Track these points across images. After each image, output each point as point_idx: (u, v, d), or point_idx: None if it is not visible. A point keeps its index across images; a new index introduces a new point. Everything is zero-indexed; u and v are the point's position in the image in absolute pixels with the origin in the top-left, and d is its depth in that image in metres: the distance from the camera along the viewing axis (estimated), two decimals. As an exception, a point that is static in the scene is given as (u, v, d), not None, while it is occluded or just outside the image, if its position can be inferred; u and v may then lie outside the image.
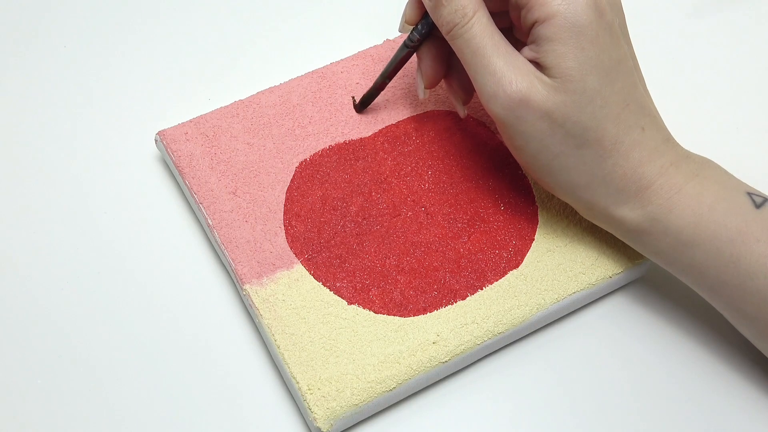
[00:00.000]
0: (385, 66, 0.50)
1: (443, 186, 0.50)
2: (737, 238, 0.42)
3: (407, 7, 0.47)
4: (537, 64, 0.42)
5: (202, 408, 0.45)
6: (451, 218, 0.49)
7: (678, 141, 0.45)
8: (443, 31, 0.44)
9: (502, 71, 0.42)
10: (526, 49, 0.43)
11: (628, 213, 0.44)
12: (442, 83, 0.51)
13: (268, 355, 0.46)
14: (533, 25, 0.42)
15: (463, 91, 0.49)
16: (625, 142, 0.43)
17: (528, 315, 0.46)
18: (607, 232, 0.47)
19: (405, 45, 0.48)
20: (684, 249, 0.43)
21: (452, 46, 0.44)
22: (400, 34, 0.55)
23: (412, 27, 0.47)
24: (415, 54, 0.49)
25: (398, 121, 0.52)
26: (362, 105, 0.52)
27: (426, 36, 0.47)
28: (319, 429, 0.43)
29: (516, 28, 0.47)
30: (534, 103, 0.42)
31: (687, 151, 0.45)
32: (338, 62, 0.54)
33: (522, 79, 0.42)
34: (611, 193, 0.44)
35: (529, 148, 0.43)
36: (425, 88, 0.49)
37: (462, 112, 0.50)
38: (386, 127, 0.52)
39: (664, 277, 0.47)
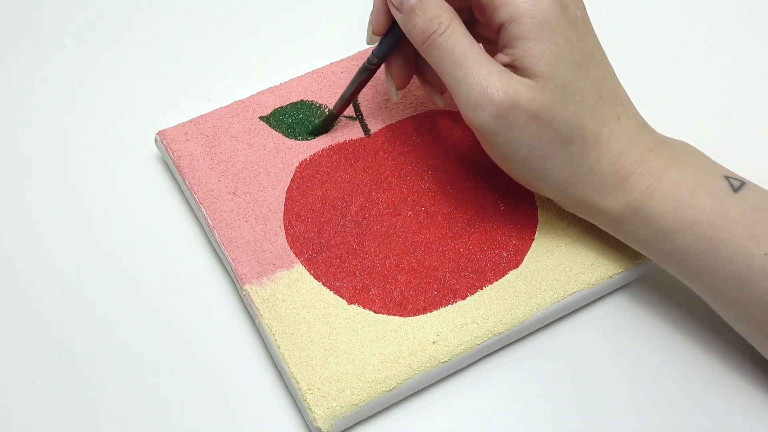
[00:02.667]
0: (344, 88, 0.50)
1: (443, 186, 0.50)
2: (716, 222, 0.42)
3: (373, 18, 0.46)
4: (513, 68, 0.42)
5: (202, 408, 0.45)
6: (451, 218, 0.49)
7: (654, 127, 0.46)
8: (417, 41, 0.43)
9: (487, 80, 0.41)
10: (500, 55, 0.42)
11: (612, 203, 0.44)
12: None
13: (268, 355, 0.46)
14: (502, 26, 0.42)
15: (438, 84, 0.49)
16: (604, 134, 0.43)
17: (528, 315, 0.46)
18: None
19: (366, 67, 0.47)
20: (664, 236, 0.43)
21: (426, 56, 0.43)
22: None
23: (380, 38, 0.46)
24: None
25: (398, 121, 0.52)
26: (323, 130, 0.51)
27: (389, 53, 0.47)
28: (319, 429, 0.43)
29: (479, 24, 0.47)
30: (522, 106, 0.41)
31: (663, 136, 0.45)
32: (338, 62, 0.54)
33: (508, 85, 0.41)
34: (596, 185, 0.44)
35: (518, 154, 0.43)
36: (397, 89, 0.49)
37: (441, 102, 0.49)
38: (386, 127, 0.52)
39: (664, 277, 0.47)
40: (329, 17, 0.60)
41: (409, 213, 0.49)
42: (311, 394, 0.43)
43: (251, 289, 0.46)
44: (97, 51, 0.57)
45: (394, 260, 0.47)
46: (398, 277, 0.47)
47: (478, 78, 0.42)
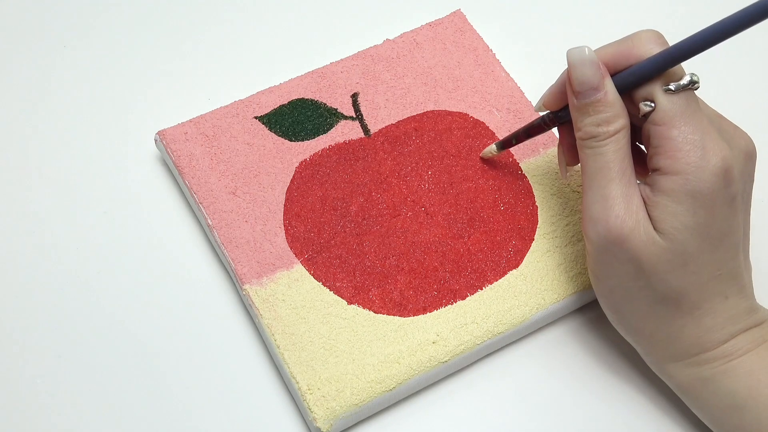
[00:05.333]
0: (519, 128, 0.49)
1: (443, 186, 0.50)
2: None
3: (548, 94, 0.45)
4: (647, 207, 0.41)
5: (202, 408, 0.45)
6: (451, 218, 0.49)
7: None
8: (578, 134, 0.42)
9: (614, 200, 0.40)
10: (643, 186, 0.41)
11: (681, 370, 0.42)
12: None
13: (268, 355, 0.46)
14: (655, 169, 0.40)
15: (574, 158, 0.46)
16: (702, 308, 0.41)
17: (528, 315, 0.46)
18: None
19: (543, 122, 0.46)
20: (733, 411, 0.41)
21: (578, 149, 0.42)
22: (400, 34, 0.55)
23: (547, 111, 0.46)
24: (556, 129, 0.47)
25: (398, 121, 0.52)
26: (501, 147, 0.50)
27: (562, 123, 0.45)
28: (319, 429, 0.43)
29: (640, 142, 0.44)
30: (630, 246, 0.40)
31: (766, 315, 0.43)
32: (338, 62, 0.54)
33: (629, 217, 0.40)
34: (669, 349, 0.42)
35: (608, 281, 0.42)
36: (567, 165, 0.47)
37: (564, 174, 0.47)
38: (386, 127, 0.52)
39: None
40: (329, 17, 0.60)
41: (409, 213, 0.49)
42: (311, 394, 0.43)
43: (251, 289, 0.46)
44: (97, 51, 0.57)
45: (394, 260, 0.47)
46: (398, 277, 0.47)
47: (608, 195, 0.41)
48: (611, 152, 0.41)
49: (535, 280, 0.47)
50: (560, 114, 0.45)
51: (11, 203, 0.51)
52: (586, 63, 0.41)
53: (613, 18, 0.61)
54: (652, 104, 0.40)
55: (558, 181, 0.50)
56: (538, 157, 0.51)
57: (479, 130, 0.52)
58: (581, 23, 0.60)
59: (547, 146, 0.51)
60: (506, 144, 0.49)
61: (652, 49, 0.41)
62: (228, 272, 0.48)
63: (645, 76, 0.40)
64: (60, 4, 0.59)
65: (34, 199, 0.51)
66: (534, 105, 0.52)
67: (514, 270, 0.47)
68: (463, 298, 0.46)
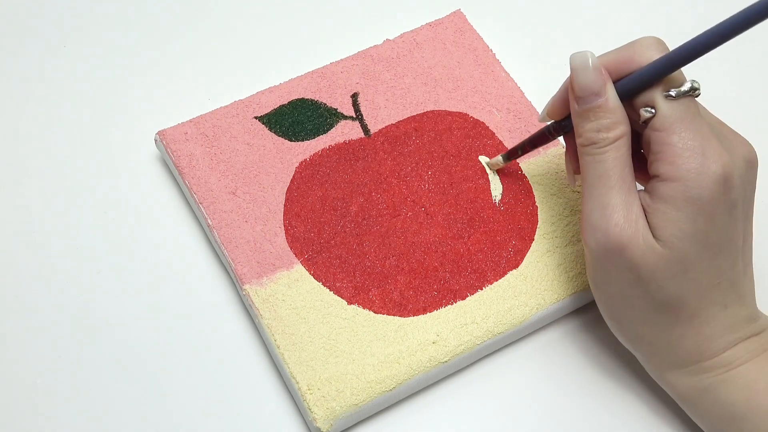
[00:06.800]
0: (523, 140, 0.49)
1: (443, 186, 0.50)
2: None
3: (551, 103, 0.45)
4: (646, 213, 0.40)
5: (202, 408, 0.45)
6: (451, 218, 0.49)
7: None
8: (578, 141, 0.42)
9: (613, 209, 0.40)
10: (643, 193, 0.41)
11: (680, 379, 0.42)
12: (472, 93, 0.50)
13: (268, 355, 0.46)
14: (655, 176, 0.40)
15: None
16: (701, 317, 0.41)
17: (528, 315, 0.46)
18: None
19: (547, 131, 0.46)
20: (732, 420, 0.41)
21: (579, 155, 0.42)
22: (400, 34, 0.55)
23: (551, 120, 0.46)
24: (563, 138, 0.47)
25: (398, 121, 0.52)
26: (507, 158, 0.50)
27: (567, 132, 0.45)
28: (319, 429, 0.43)
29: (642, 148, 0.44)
30: (629, 253, 0.40)
31: (766, 323, 0.43)
32: (338, 62, 0.54)
33: (628, 225, 0.40)
34: (669, 357, 0.42)
35: (608, 289, 0.42)
36: (575, 173, 0.46)
37: (572, 183, 0.48)
38: (386, 127, 0.52)
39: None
40: (329, 17, 0.60)
41: (409, 213, 0.49)
42: (311, 394, 0.43)
43: (251, 289, 0.46)
44: (97, 51, 0.57)
45: (394, 260, 0.47)
46: (398, 278, 0.47)
47: (608, 203, 0.40)
48: (611, 159, 0.41)
49: (535, 280, 0.47)
50: (563, 123, 0.45)
51: (11, 203, 0.51)
52: (589, 68, 0.41)
53: (613, 18, 0.61)
54: (653, 110, 0.40)
55: (558, 181, 0.50)
56: (538, 157, 0.51)
57: (479, 130, 0.52)
58: (581, 23, 0.60)
59: (547, 147, 0.51)
60: (512, 155, 0.49)
61: (653, 56, 0.40)
62: (228, 272, 0.48)
63: (646, 82, 0.40)
64: (60, 4, 0.59)
65: (34, 199, 0.51)
66: (539, 113, 0.52)
67: (514, 270, 0.47)
68: (463, 299, 0.46)
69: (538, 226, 0.49)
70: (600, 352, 0.47)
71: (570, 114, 0.43)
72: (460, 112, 0.52)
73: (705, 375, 0.42)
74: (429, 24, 0.56)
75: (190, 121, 0.51)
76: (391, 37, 0.55)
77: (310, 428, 0.44)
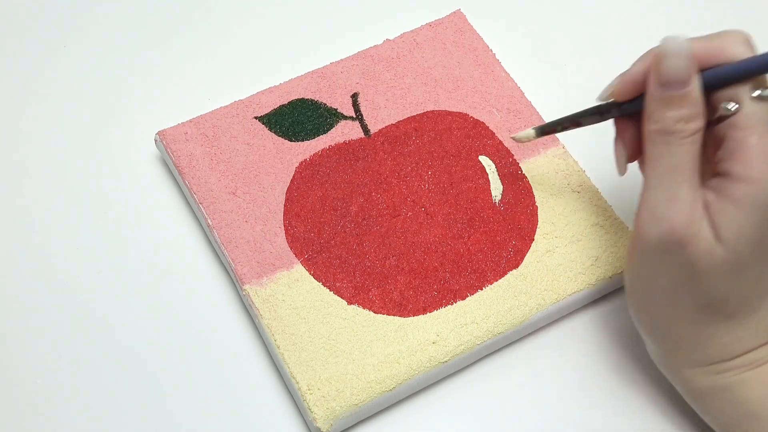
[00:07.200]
0: (564, 116, 0.47)
1: (443, 186, 0.50)
2: None
3: (623, 81, 0.43)
4: (707, 212, 0.39)
5: (202, 408, 0.45)
6: (451, 218, 0.49)
7: None
8: (653, 127, 0.40)
9: (683, 203, 0.39)
10: (705, 191, 0.40)
11: (698, 376, 0.42)
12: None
13: (268, 355, 0.46)
14: (724, 174, 0.39)
15: (635, 151, 0.44)
16: (736, 318, 0.40)
17: (528, 315, 0.46)
18: (606, 232, 0.47)
19: (604, 113, 0.44)
20: (748, 419, 0.41)
21: (647, 142, 0.40)
22: (400, 34, 0.55)
23: (612, 99, 0.44)
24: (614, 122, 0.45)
25: (398, 121, 0.52)
26: (541, 133, 0.49)
27: (627, 114, 0.43)
28: (319, 429, 0.43)
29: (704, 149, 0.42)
30: (688, 250, 0.39)
31: None
32: (338, 62, 0.54)
33: (693, 222, 0.39)
34: (695, 355, 0.42)
35: (653, 283, 0.41)
36: (627, 161, 0.44)
37: (621, 171, 0.45)
38: (386, 127, 0.52)
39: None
40: (329, 17, 0.60)
41: (409, 213, 0.49)
42: (311, 394, 0.43)
43: (251, 289, 0.46)
44: (97, 51, 0.57)
45: (394, 260, 0.47)
46: (398, 278, 0.47)
47: (677, 196, 0.39)
48: (687, 153, 0.39)
49: (535, 280, 0.47)
50: (626, 105, 0.43)
51: (11, 203, 0.51)
52: (682, 55, 0.39)
53: (613, 18, 0.61)
54: (736, 106, 0.39)
55: (558, 181, 0.50)
56: (538, 157, 0.51)
57: (479, 130, 0.52)
58: (581, 23, 0.60)
59: (547, 146, 0.51)
60: (549, 130, 0.47)
61: (743, 52, 0.39)
62: (228, 272, 0.48)
63: (735, 78, 0.39)
64: (60, 4, 0.59)
65: (34, 199, 0.51)
66: (539, 113, 0.51)
67: (514, 270, 0.47)
68: (463, 299, 0.46)
69: (538, 226, 0.49)
70: (600, 352, 0.47)
71: (637, 97, 0.42)
72: (460, 112, 0.52)
73: (724, 375, 0.41)
74: (429, 24, 0.56)
75: (190, 121, 0.51)
76: (391, 37, 0.55)
77: (310, 428, 0.44)
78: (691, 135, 0.39)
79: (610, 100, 0.44)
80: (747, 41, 0.40)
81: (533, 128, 0.49)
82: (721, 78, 0.40)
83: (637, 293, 0.43)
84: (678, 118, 0.39)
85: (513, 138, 0.50)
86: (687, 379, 0.42)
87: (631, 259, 0.42)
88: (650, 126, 0.40)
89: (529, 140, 0.49)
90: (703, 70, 0.40)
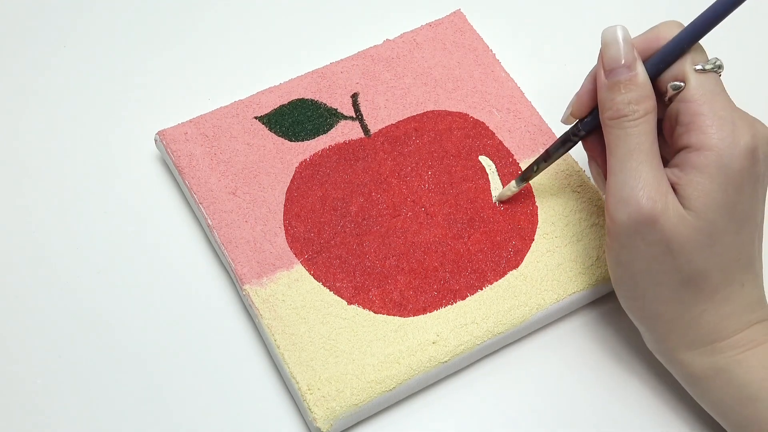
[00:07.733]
0: (542, 153, 0.48)
1: (443, 186, 0.50)
2: None
3: (575, 101, 0.45)
4: (674, 187, 0.41)
5: (202, 408, 0.45)
6: (451, 218, 0.49)
7: None
8: (606, 114, 0.42)
9: (645, 181, 0.40)
10: (668, 170, 0.41)
11: (695, 359, 0.42)
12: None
13: (268, 355, 0.46)
14: (684, 147, 0.41)
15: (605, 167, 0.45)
16: (721, 293, 0.41)
17: (528, 315, 0.46)
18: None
19: (569, 138, 0.46)
20: (747, 402, 0.41)
21: (605, 132, 0.42)
22: (400, 34, 0.55)
23: (576, 120, 0.46)
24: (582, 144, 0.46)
25: (398, 121, 0.52)
26: (522, 181, 0.49)
27: (592, 130, 0.45)
28: (319, 429, 0.43)
29: (663, 125, 0.44)
30: (660, 226, 0.40)
31: None
32: (338, 62, 0.54)
33: (660, 198, 0.40)
34: (688, 335, 0.42)
35: (632, 266, 0.42)
36: (605, 179, 0.45)
37: (602, 187, 0.46)
38: (386, 127, 0.52)
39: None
40: (329, 17, 0.60)
41: (409, 213, 0.49)
42: (311, 394, 0.43)
43: (251, 289, 0.46)
44: (97, 51, 0.57)
45: (394, 260, 0.47)
46: (398, 278, 0.47)
47: (638, 176, 0.40)
48: (642, 133, 0.41)
49: (535, 280, 0.47)
50: (587, 120, 0.45)
51: (11, 203, 0.51)
52: (620, 41, 0.42)
53: (613, 18, 0.60)
54: (682, 84, 0.41)
55: (558, 181, 0.50)
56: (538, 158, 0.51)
57: (479, 130, 0.52)
58: (581, 23, 0.60)
59: (547, 146, 0.51)
60: (526, 177, 0.48)
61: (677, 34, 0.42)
62: (228, 272, 0.48)
63: (673, 55, 0.41)
64: (60, 4, 0.59)
65: (34, 199, 0.51)
66: (539, 113, 0.52)
67: (514, 270, 0.47)
68: (463, 299, 0.46)
69: (538, 226, 0.49)
70: (600, 352, 0.47)
71: (593, 109, 0.44)
72: (460, 112, 0.52)
73: (721, 356, 0.42)
74: (429, 24, 0.56)
75: (190, 121, 0.51)
76: (391, 37, 0.55)
77: (310, 428, 0.44)
78: (644, 116, 0.41)
79: (572, 122, 0.46)
80: (680, 26, 0.42)
81: (514, 181, 0.49)
82: (662, 60, 0.42)
83: (621, 280, 0.43)
84: (628, 101, 0.41)
85: (497, 199, 0.50)
86: (684, 363, 0.43)
87: (608, 248, 0.43)
88: (604, 114, 0.42)
89: (512, 194, 0.49)
90: (645, 60, 0.42)
